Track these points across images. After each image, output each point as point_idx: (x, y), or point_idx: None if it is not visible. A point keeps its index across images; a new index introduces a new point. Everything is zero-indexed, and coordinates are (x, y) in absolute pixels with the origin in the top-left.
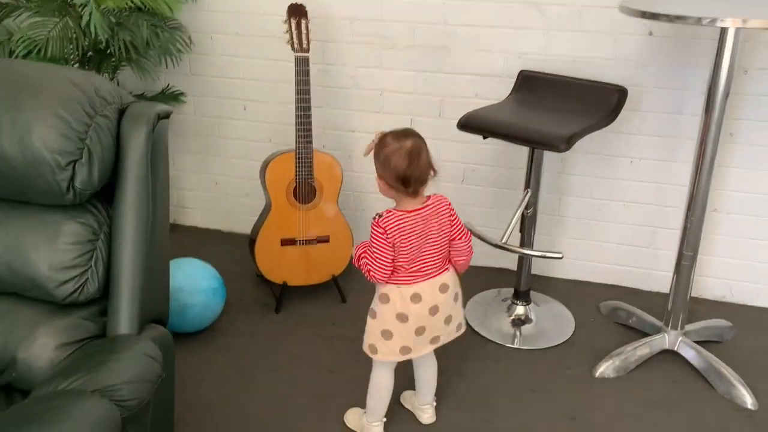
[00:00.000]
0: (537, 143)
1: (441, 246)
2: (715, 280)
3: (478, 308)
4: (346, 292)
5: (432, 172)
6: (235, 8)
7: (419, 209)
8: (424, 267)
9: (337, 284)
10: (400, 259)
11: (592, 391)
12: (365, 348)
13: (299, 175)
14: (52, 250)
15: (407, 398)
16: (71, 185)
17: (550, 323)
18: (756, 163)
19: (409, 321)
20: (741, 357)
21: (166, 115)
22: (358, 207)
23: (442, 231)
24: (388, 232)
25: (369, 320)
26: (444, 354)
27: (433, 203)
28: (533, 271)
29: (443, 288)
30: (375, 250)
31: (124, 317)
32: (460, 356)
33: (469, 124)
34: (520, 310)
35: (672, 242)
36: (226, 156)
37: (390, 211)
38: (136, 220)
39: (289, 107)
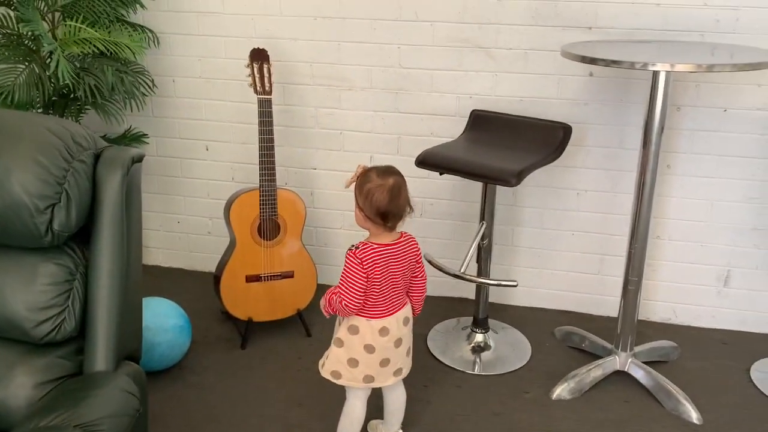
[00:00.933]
0: (490, 178)
1: (405, 281)
2: (660, 304)
3: (439, 337)
4: (311, 326)
5: (409, 209)
6: (198, 53)
7: (393, 244)
8: (391, 301)
9: (302, 318)
10: (372, 291)
11: (550, 413)
12: (326, 374)
13: (263, 212)
14: (29, 291)
15: (373, 427)
16: (50, 228)
17: (508, 349)
18: (693, 192)
19: (376, 352)
20: (686, 375)
21: (140, 159)
22: (320, 242)
23: (408, 267)
24: (364, 262)
25: (334, 348)
26: (409, 382)
27: (405, 240)
28: (491, 299)
29: (405, 321)
30: (350, 279)
31: (101, 355)
32: (423, 384)
33: (426, 161)
34: (479, 337)
35: (619, 268)
36: (189, 195)
37: (366, 243)
38: (112, 260)
39: (250, 147)
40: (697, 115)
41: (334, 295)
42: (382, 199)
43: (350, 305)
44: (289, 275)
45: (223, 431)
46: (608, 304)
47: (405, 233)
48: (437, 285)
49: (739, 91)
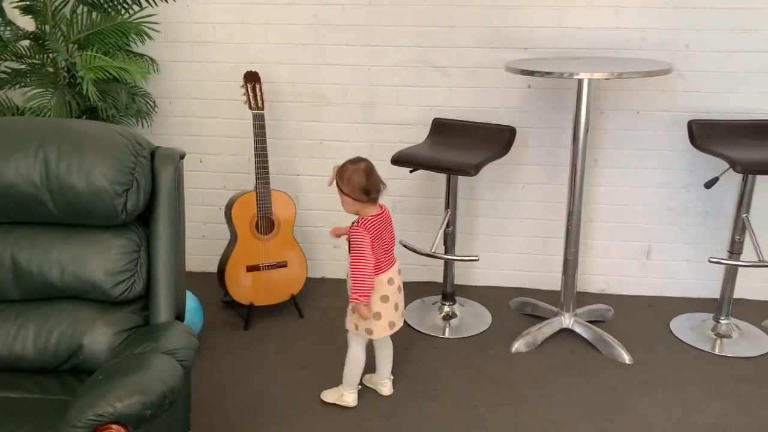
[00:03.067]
0: (453, 170)
1: (391, 242)
2: (595, 277)
3: (414, 312)
4: (303, 309)
5: (383, 185)
6: (193, 77)
7: (379, 215)
8: (388, 257)
9: (295, 302)
10: (377, 252)
11: (511, 362)
12: (361, 333)
13: (260, 210)
14: (106, 260)
15: (368, 379)
16: (125, 208)
17: (472, 318)
18: (617, 181)
19: (390, 300)
20: (618, 331)
21: (183, 156)
22: (304, 240)
23: (391, 231)
24: (369, 230)
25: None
26: (394, 345)
27: (385, 211)
28: (456, 282)
29: (400, 272)
30: (361, 246)
31: (163, 309)
32: (405, 347)
33: (400, 159)
34: (447, 308)
35: (560, 248)
36: (185, 203)
37: (363, 218)
38: (168, 234)
39: (240, 158)
40: (616, 116)
41: (355, 284)
42: (361, 178)
43: (368, 266)
44: (283, 265)
45: (242, 392)
46: (552, 280)
47: (383, 205)
48: (408, 272)
49: (648, 96)
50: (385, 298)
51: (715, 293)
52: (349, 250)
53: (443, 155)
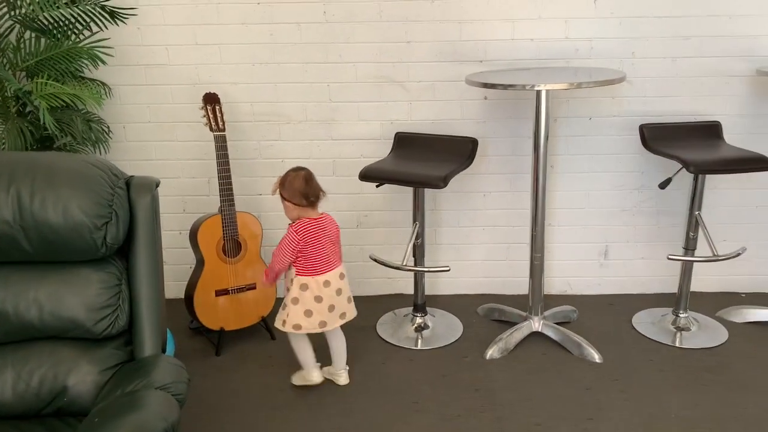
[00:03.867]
0: (422, 184)
1: (331, 247)
2: (557, 279)
3: (386, 326)
4: (273, 330)
5: (322, 192)
6: (147, 100)
7: (318, 218)
8: (327, 260)
9: (266, 324)
10: (311, 254)
11: (487, 369)
12: (289, 328)
13: (226, 233)
14: (88, 296)
15: (326, 372)
16: (105, 241)
17: (444, 328)
18: (572, 185)
19: (323, 301)
20: (585, 330)
21: (158, 184)
22: (268, 259)
23: (331, 237)
24: (300, 233)
25: (291, 306)
26: (369, 360)
27: (326, 217)
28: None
29: (342, 276)
30: (286, 246)
31: (148, 342)
32: (381, 362)
33: (368, 175)
34: (419, 320)
35: (522, 253)
36: None
37: (300, 220)
38: (149, 265)
39: (199, 180)
40: (570, 123)
41: (271, 265)
42: (300, 183)
43: (278, 265)
44: (252, 287)
45: (225, 421)
46: (516, 284)
47: (325, 213)
48: (376, 285)
49: (599, 103)
50: (318, 299)
51: (670, 288)
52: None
53: (410, 169)
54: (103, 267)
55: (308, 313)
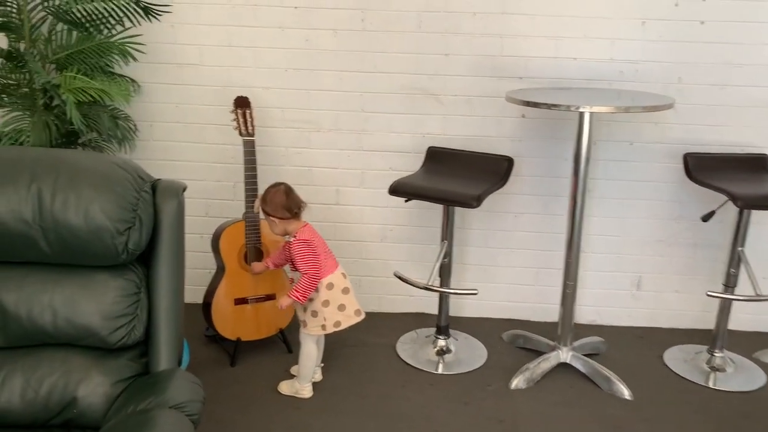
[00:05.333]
0: (455, 202)
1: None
2: (586, 308)
3: (407, 346)
4: (291, 343)
5: (304, 203)
6: (176, 99)
7: (308, 224)
8: (332, 256)
9: (283, 337)
10: (324, 254)
11: (512, 399)
12: (330, 328)
13: (249, 240)
14: (104, 303)
15: (295, 370)
16: (126, 247)
17: (467, 352)
18: (609, 211)
19: (350, 291)
20: (614, 363)
21: (185, 189)
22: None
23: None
24: (311, 240)
25: (324, 309)
26: (388, 383)
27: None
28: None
29: (345, 276)
30: (312, 257)
31: (164, 355)
32: (401, 385)
33: (398, 190)
34: (442, 342)
35: (551, 279)
36: None
37: (300, 230)
38: (170, 274)
39: (224, 184)
40: (609, 147)
41: (304, 285)
42: (281, 198)
43: (316, 276)
44: (272, 297)
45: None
46: (544, 311)
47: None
48: (398, 302)
49: (641, 128)
50: (346, 290)
51: (704, 324)
52: (294, 265)
53: (442, 185)
54: (122, 273)
55: (342, 308)
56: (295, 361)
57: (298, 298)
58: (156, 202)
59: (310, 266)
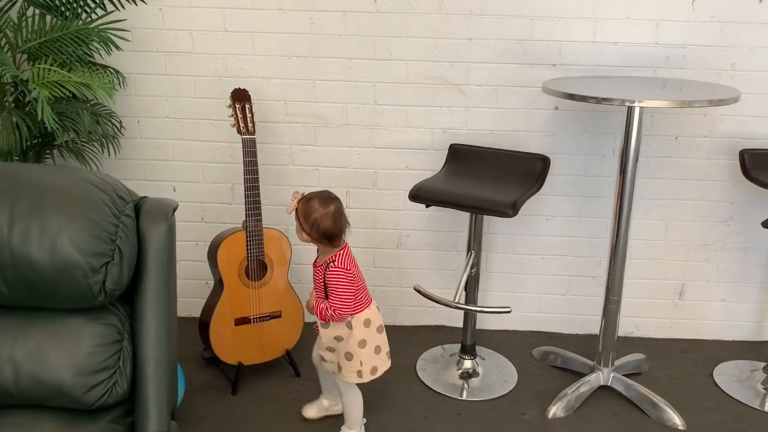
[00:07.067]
0: (486, 210)
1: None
2: (623, 319)
3: (428, 366)
4: (299, 365)
5: (348, 226)
6: (166, 92)
7: (345, 247)
8: (366, 289)
9: (290, 359)
10: (361, 286)
11: (550, 431)
12: (367, 376)
13: (251, 252)
14: (77, 355)
15: (312, 409)
16: (103, 287)
17: (495, 373)
18: (650, 213)
19: (384, 330)
20: (659, 384)
21: (175, 209)
22: (293, 279)
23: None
24: (348, 268)
25: (359, 351)
26: (409, 413)
27: (347, 245)
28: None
29: (378, 309)
30: (342, 288)
31: (154, 415)
32: (424, 415)
33: (419, 195)
34: (468, 364)
35: (586, 288)
36: None
37: (336, 255)
38: (159, 315)
39: (221, 186)
40: (652, 142)
41: (329, 315)
42: (328, 225)
43: (345, 311)
44: (277, 315)
45: None
46: (578, 323)
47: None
48: (415, 315)
49: (687, 120)
50: (380, 329)
51: (752, 336)
52: (327, 293)
53: (470, 190)
54: (99, 318)
55: (377, 350)
56: (308, 388)
57: (318, 313)
58: (140, 227)
59: (343, 303)
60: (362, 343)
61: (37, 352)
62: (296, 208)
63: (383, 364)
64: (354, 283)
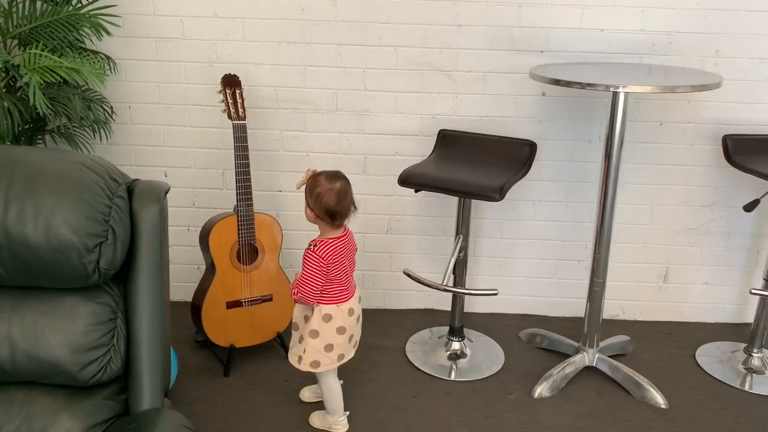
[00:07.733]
0: (474, 195)
1: (352, 265)
2: (609, 302)
3: (417, 348)
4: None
5: (353, 208)
6: (156, 78)
7: (342, 236)
8: (348, 284)
9: (282, 341)
10: (335, 280)
11: (536, 410)
12: (305, 366)
13: (242, 237)
14: (72, 333)
15: (306, 392)
16: (97, 267)
17: (483, 355)
18: (635, 198)
19: (346, 332)
20: (643, 365)
21: (167, 191)
22: (285, 264)
23: (353, 254)
24: (324, 258)
25: (309, 340)
26: (398, 394)
27: (349, 234)
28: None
29: (360, 299)
30: (310, 275)
31: (147, 392)
32: (413, 395)
33: (408, 180)
34: (456, 345)
35: (573, 272)
36: None
37: (322, 240)
38: (152, 294)
39: (212, 171)
40: (637, 128)
41: (294, 287)
42: (331, 201)
43: (307, 297)
44: (268, 299)
45: None
46: (563, 306)
47: (347, 227)
48: (405, 299)
49: (672, 106)
50: (341, 330)
51: (736, 318)
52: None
53: (458, 175)
54: (94, 297)
55: (329, 348)
56: (300, 376)
57: (293, 293)
58: (133, 209)
59: (306, 288)
60: (314, 334)
61: (32, 330)
62: (305, 188)
63: (328, 361)
64: (324, 275)
